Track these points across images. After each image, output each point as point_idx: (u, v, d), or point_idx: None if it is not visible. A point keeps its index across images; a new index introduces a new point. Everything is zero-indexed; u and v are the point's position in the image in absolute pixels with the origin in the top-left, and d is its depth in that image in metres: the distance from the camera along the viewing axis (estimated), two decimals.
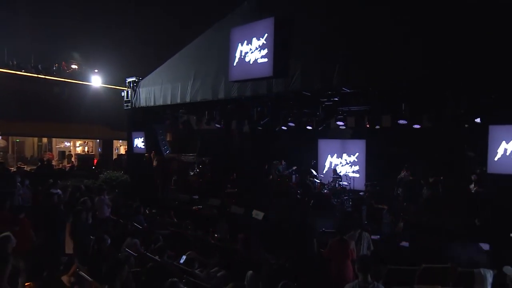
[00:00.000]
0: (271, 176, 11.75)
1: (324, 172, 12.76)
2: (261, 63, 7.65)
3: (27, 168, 14.30)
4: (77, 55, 24.04)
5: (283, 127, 11.47)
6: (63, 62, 22.08)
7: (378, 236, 6.64)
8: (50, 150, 21.04)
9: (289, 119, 10.78)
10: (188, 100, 9.66)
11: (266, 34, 7.54)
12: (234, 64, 8.21)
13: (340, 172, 11.69)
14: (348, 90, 7.34)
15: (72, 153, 21.40)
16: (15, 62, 18.49)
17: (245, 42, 7.97)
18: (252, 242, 6.03)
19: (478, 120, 6.89)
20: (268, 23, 7.53)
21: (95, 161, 18.50)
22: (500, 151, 5.68)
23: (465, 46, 5.11)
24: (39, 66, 19.48)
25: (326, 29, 6.78)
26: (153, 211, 8.82)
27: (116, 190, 10.30)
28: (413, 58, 5.56)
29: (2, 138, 18.79)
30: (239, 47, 8.11)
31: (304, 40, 7.12)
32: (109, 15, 26.27)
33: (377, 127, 9.15)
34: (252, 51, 7.82)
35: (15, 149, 19.70)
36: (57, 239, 6.19)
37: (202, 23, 10.63)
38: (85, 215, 5.97)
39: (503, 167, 5.64)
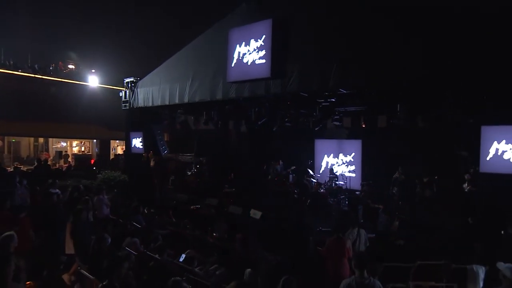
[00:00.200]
0: (269, 176, 11.86)
1: (320, 171, 12.88)
2: (259, 64, 7.73)
3: (23, 168, 14.24)
4: (74, 55, 24.00)
5: (280, 127, 11.57)
6: (60, 62, 22.02)
7: (374, 235, 6.76)
8: (47, 150, 20.97)
9: (286, 119, 10.88)
10: (186, 100, 9.72)
11: (264, 36, 7.62)
12: (232, 65, 8.29)
13: (336, 172, 11.83)
14: (345, 91, 7.44)
15: (69, 153, 21.34)
16: (12, 62, 18.43)
17: (243, 43, 8.05)
18: (250, 241, 6.13)
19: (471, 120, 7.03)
20: (266, 24, 7.62)
21: (92, 161, 18.49)
22: (492, 151, 5.82)
23: (465, 46, 5.15)
24: (36, 66, 19.41)
25: (323, 31, 6.84)
26: (151, 210, 8.88)
27: (115, 190, 10.34)
28: (413, 58, 5.60)
29: None
30: (237, 48, 8.18)
31: (301, 41, 7.19)
32: (107, 15, 26.27)
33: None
34: (250, 52, 7.90)
35: (11, 149, 19.62)
36: (56, 239, 6.23)
37: (201, 24, 10.70)
38: (86, 214, 6.02)
39: (495, 167, 5.79)
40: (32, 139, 20.67)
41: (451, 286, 4.82)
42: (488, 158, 5.89)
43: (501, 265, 3.48)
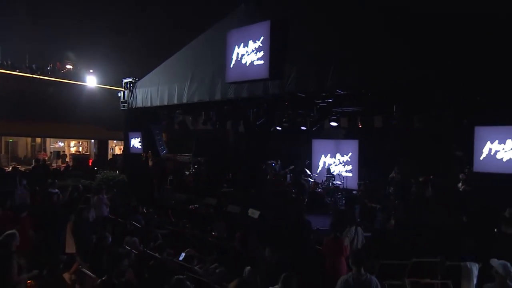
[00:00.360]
0: (268, 176, 11.96)
1: (318, 171, 13.01)
2: (257, 65, 7.79)
3: (21, 168, 14.25)
4: (72, 55, 23.96)
5: (277, 128, 11.67)
6: (58, 62, 21.99)
7: (370, 234, 6.87)
8: (44, 150, 20.94)
9: (284, 119, 10.97)
10: (185, 101, 9.75)
11: (262, 37, 7.68)
12: (231, 66, 8.35)
13: (333, 172, 11.95)
14: (342, 92, 7.53)
15: (66, 153, 21.32)
16: (10, 62, 18.39)
17: (242, 44, 8.11)
18: (249, 240, 6.21)
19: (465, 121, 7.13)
20: (264, 26, 7.68)
21: (91, 161, 18.49)
22: (485, 151, 5.94)
23: (461, 48, 5.20)
24: (34, 66, 19.39)
25: (321, 32, 6.88)
26: (150, 210, 8.94)
27: (115, 190, 10.38)
28: (410, 60, 5.63)
29: None
30: (236, 50, 8.25)
31: (299, 43, 7.23)
32: (105, 16, 26.23)
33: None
34: (249, 53, 7.97)
35: (9, 149, 19.57)
36: (56, 239, 6.28)
37: (200, 25, 10.74)
38: (87, 213, 6.07)
39: (488, 166, 5.91)
40: (29, 139, 20.64)
41: (445, 283, 4.94)
42: (481, 158, 6.00)
43: (494, 262, 3.59)
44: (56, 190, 7.68)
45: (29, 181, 8.82)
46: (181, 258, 5.65)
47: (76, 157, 19.56)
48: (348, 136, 12.56)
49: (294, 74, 7.22)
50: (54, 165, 18.07)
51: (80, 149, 22.98)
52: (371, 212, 8.25)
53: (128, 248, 5.33)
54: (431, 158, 9.93)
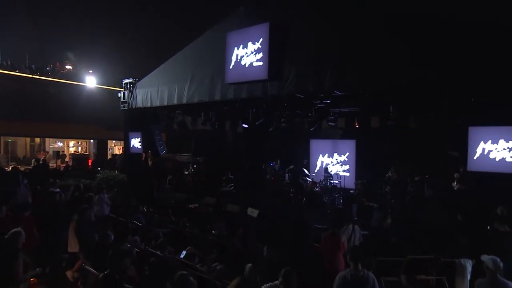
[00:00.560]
0: (267, 175, 12.08)
1: (315, 171, 13.14)
2: (256, 66, 7.88)
3: (21, 168, 14.29)
4: (71, 56, 23.97)
5: (276, 128, 11.77)
6: (57, 63, 22.00)
7: (367, 232, 6.99)
8: (44, 150, 20.96)
9: (282, 120, 11.08)
10: (184, 101, 9.82)
11: (261, 39, 7.78)
12: (230, 67, 8.44)
13: (331, 171, 12.11)
14: (340, 93, 7.64)
15: (66, 153, 21.34)
16: (9, 62, 18.40)
17: (241, 46, 8.20)
18: (249, 238, 6.32)
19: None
20: (263, 28, 7.76)
21: (90, 161, 18.53)
22: (478, 151, 6.07)
23: (464, 46, 5.23)
24: (33, 66, 19.41)
25: (320, 34, 6.94)
26: (150, 209, 9.03)
27: (115, 189, 10.46)
28: (409, 61, 5.68)
29: None
30: (235, 51, 8.34)
31: (298, 44, 7.29)
32: (105, 16, 26.23)
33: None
34: (248, 54, 8.06)
35: (8, 149, 19.58)
36: (58, 238, 6.33)
37: (200, 26, 10.81)
38: (89, 213, 6.15)
39: (481, 166, 6.05)
40: (28, 139, 20.63)
41: (440, 279, 5.08)
42: (475, 158, 6.14)
43: (484, 257, 3.73)
44: (58, 190, 7.76)
45: (29, 180, 8.88)
46: (182, 256, 5.76)
47: (75, 157, 19.58)
48: (345, 136, 12.70)
49: (293, 75, 7.27)
50: (53, 165, 18.10)
51: (79, 149, 23.00)
52: (368, 211, 8.38)
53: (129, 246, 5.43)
54: (427, 158, 10.08)
